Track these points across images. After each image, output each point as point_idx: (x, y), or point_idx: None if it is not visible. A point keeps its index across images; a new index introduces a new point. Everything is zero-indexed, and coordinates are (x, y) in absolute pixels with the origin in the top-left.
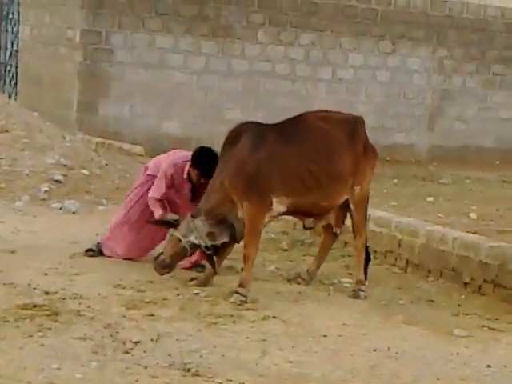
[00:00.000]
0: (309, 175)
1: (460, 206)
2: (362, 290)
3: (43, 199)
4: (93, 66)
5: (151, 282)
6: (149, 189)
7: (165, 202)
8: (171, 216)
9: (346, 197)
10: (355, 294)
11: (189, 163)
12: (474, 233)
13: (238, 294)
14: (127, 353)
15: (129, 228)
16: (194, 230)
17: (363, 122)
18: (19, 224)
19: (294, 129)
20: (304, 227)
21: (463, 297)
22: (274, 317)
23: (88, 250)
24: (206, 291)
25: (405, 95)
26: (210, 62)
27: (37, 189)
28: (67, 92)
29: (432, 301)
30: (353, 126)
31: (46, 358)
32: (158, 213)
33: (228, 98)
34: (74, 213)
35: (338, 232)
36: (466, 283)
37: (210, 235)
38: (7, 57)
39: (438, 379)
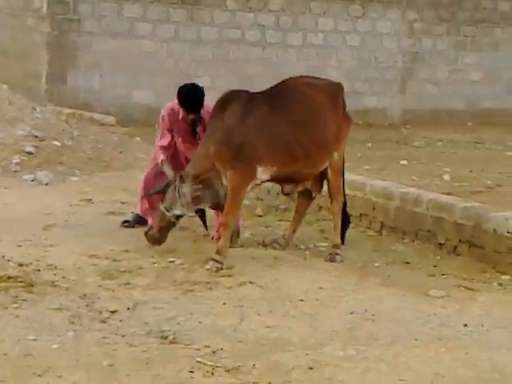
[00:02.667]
0: (296, 144)
1: (433, 168)
2: (338, 254)
3: (15, 171)
4: (61, 37)
5: (126, 252)
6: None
7: (170, 151)
8: (166, 169)
9: (328, 163)
10: (331, 258)
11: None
12: (448, 194)
13: (214, 260)
14: (104, 322)
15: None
16: (180, 198)
17: (343, 88)
18: None
19: (282, 97)
20: (282, 192)
21: (439, 257)
22: (251, 282)
23: (124, 222)
24: (181, 259)
25: (376, 59)
26: (179, 30)
27: (8, 161)
28: (36, 63)
29: (408, 262)
30: (335, 91)
31: (22, 330)
32: (160, 158)
33: (198, 65)
34: (46, 184)
35: (316, 196)
36: (441, 244)
37: (196, 200)
38: None
39: (415, 339)
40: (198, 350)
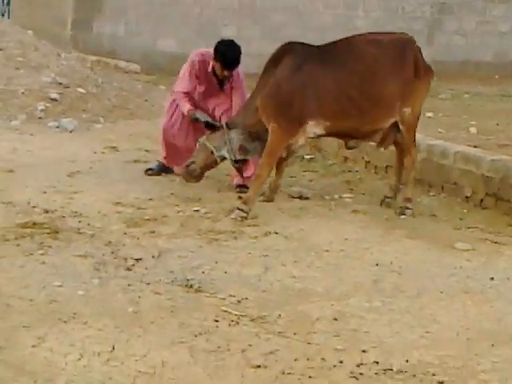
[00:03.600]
0: (347, 100)
1: (460, 121)
2: (409, 208)
3: (40, 118)
4: None
5: (151, 200)
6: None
7: (190, 96)
8: (201, 115)
9: (393, 119)
10: (401, 211)
11: (212, 58)
12: (475, 147)
13: (240, 209)
14: (129, 270)
15: (174, 148)
16: (227, 143)
17: (414, 42)
18: (16, 143)
19: (337, 53)
20: (346, 146)
21: (465, 211)
22: (276, 232)
23: (148, 170)
24: (206, 208)
25: (403, 9)
26: None
27: (33, 107)
28: (61, 10)
29: (434, 215)
30: (402, 48)
31: (47, 276)
32: (185, 107)
33: (224, 14)
34: (71, 131)
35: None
36: (467, 197)
37: (242, 149)
38: None
39: (441, 292)
40: (223, 298)
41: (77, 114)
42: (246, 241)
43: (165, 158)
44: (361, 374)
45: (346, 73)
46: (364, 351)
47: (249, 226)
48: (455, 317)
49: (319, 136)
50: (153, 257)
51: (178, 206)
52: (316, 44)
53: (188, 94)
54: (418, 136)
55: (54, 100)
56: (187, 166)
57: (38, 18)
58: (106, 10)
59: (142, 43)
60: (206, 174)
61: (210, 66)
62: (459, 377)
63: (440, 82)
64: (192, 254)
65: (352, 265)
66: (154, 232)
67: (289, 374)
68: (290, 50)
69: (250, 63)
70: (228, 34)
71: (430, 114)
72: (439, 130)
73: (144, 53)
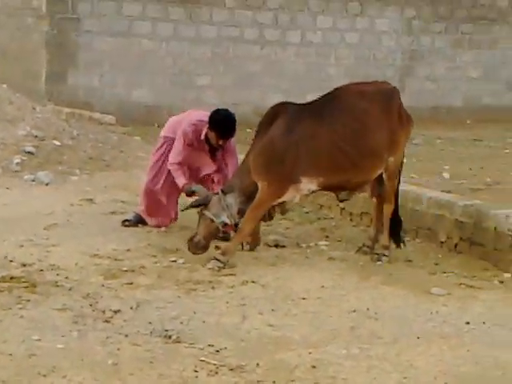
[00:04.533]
0: (342, 155)
1: (433, 166)
2: (386, 255)
3: (16, 171)
4: (60, 36)
5: (128, 251)
6: (168, 151)
7: (185, 167)
8: (196, 187)
9: (382, 169)
10: (378, 258)
11: (206, 125)
12: (448, 192)
13: (217, 260)
14: (107, 322)
15: (156, 202)
16: (226, 209)
17: (398, 92)
18: None
19: (328, 108)
20: (338, 199)
21: (440, 256)
22: (253, 281)
23: (125, 221)
24: (183, 258)
25: (374, 57)
26: (178, 29)
27: (9, 161)
28: (35, 63)
29: (409, 260)
30: (388, 98)
31: (26, 330)
32: (180, 181)
33: (198, 64)
34: (47, 184)
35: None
36: (442, 242)
37: (241, 212)
38: None
39: (418, 338)
40: (201, 349)
41: (53, 167)
42: (223, 290)
43: (143, 210)
44: None
45: (337, 128)
46: None
47: (226, 275)
48: (432, 362)
49: (313, 192)
50: (131, 308)
51: (155, 256)
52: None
53: (182, 165)
54: None
55: (30, 153)
56: (191, 238)
57: (11, 71)
58: (81, 62)
59: (116, 95)
60: (179, 226)
61: (203, 133)
62: None
63: (412, 127)
64: (170, 304)
65: (329, 312)
66: (131, 283)
67: None
68: (281, 111)
69: None
70: (202, 83)
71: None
72: (412, 175)
73: (119, 104)
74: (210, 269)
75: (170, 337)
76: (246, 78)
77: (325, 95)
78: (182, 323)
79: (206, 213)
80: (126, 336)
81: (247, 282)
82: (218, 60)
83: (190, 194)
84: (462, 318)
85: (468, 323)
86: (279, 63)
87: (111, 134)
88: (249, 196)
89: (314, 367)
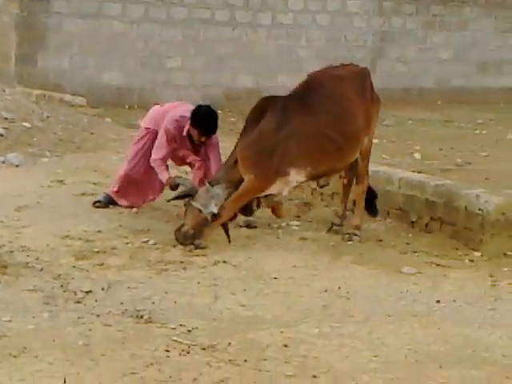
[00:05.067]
0: (328, 143)
1: (404, 147)
2: (357, 235)
3: None
4: (30, 18)
5: (99, 232)
6: (150, 142)
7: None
8: (181, 180)
9: (359, 151)
10: (349, 237)
11: (188, 121)
12: (419, 172)
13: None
14: (79, 302)
15: (131, 184)
16: (214, 199)
17: (369, 72)
18: None
19: (310, 97)
20: (318, 186)
21: (411, 235)
22: (224, 261)
23: (96, 202)
24: (154, 239)
25: (345, 38)
26: (149, 11)
27: None
28: (4, 45)
29: (380, 240)
30: (362, 79)
31: None
32: (164, 176)
33: (168, 46)
34: (17, 166)
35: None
36: (412, 222)
37: None
38: None
39: (389, 316)
40: (173, 328)
41: (23, 149)
42: (195, 271)
43: (114, 192)
44: None
45: (322, 116)
46: (314, 376)
47: (198, 255)
48: (403, 340)
49: (301, 183)
50: (102, 289)
51: (126, 237)
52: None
53: (164, 160)
54: None
55: (0, 135)
56: (179, 229)
57: None
58: (51, 44)
59: (87, 77)
60: (151, 207)
61: (185, 129)
62: None
63: (384, 108)
64: (142, 285)
65: (301, 292)
66: (103, 264)
67: None
68: (269, 105)
69: (195, 94)
70: (172, 65)
71: (374, 141)
72: (383, 156)
73: (89, 86)
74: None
75: (141, 317)
76: (216, 60)
77: (304, 83)
78: (153, 303)
79: (194, 203)
80: (98, 316)
81: (219, 262)
82: (189, 42)
83: (175, 187)
84: (432, 296)
85: (438, 302)
86: (250, 45)
87: (82, 116)
88: (236, 187)
89: (285, 346)
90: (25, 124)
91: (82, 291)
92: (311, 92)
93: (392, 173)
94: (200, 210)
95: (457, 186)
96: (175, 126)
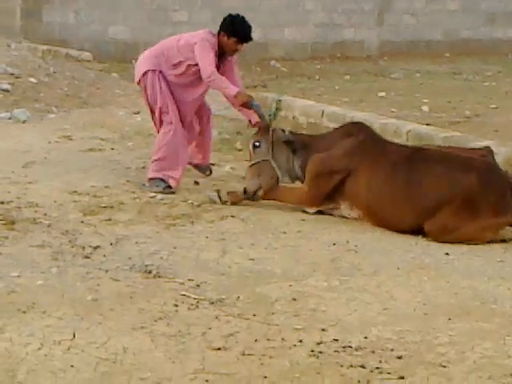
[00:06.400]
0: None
1: (412, 100)
2: None
3: None
4: None
5: (107, 188)
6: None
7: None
8: (256, 105)
9: None
10: None
11: (221, 34)
12: (427, 125)
13: (219, 196)
14: (87, 258)
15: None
16: (292, 171)
17: None
18: None
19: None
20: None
21: None
22: (232, 216)
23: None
24: (162, 194)
25: None
26: None
27: None
28: (9, 0)
29: None
30: None
31: (4, 267)
32: (233, 89)
33: (175, 0)
34: (24, 122)
35: None
36: None
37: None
38: None
39: (397, 269)
40: (181, 283)
41: (29, 105)
42: (203, 225)
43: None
44: (320, 352)
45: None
46: (323, 330)
47: (206, 211)
48: (412, 293)
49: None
50: (111, 244)
51: (134, 192)
52: None
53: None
54: (370, 115)
55: (6, 91)
56: (250, 191)
57: None
58: None
59: (92, 31)
60: None
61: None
62: (417, 351)
63: (391, 61)
64: (150, 240)
65: (309, 245)
66: (110, 219)
67: (249, 355)
68: (357, 131)
69: None
70: (179, 19)
71: (382, 94)
72: (392, 109)
73: (95, 41)
74: (206, 196)
75: (149, 272)
76: (223, 13)
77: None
78: (161, 258)
79: (274, 164)
80: (106, 272)
81: (227, 216)
82: None
83: (249, 107)
84: (441, 249)
85: (447, 254)
86: None
87: (88, 71)
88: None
89: (294, 300)
90: (31, 79)
91: (90, 246)
92: (411, 152)
93: (400, 125)
94: (276, 175)
95: (465, 138)
96: (210, 38)
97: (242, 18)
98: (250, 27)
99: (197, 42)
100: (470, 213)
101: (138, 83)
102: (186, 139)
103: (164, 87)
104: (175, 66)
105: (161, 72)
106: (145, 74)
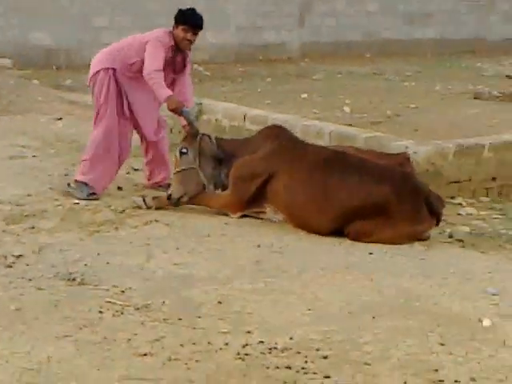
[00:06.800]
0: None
1: (334, 101)
2: None
3: None
4: None
5: (29, 196)
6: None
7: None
8: (186, 110)
9: None
10: None
11: (173, 28)
12: (349, 125)
13: (144, 201)
14: (9, 267)
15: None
16: (218, 177)
17: None
18: None
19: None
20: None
21: None
22: (157, 221)
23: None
24: (85, 200)
25: None
26: None
27: None
28: None
29: None
30: None
31: None
32: (164, 92)
33: (95, 3)
34: None
35: None
36: None
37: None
38: None
39: (321, 269)
40: (106, 290)
41: None
42: (127, 231)
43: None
44: (246, 354)
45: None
46: (249, 332)
47: (129, 216)
48: (336, 292)
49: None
50: (33, 252)
51: (57, 200)
52: None
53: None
54: (293, 118)
55: None
56: (175, 197)
57: None
58: None
59: (12, 37)
60: None
61: (171, 42)
62: (343, 350)
63: (313, 63)
64: (73, 247)
65: (234, 248)
66: (33, 228)
67: (175, 359)
68: (275, 135)
69: None
70: (100, 23)
71: (304, 95)
72: (314, 110)
73: (16, 47)
74: (132, 202)
75: (74, 279)
76: (144, 18)
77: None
78: (86, 265)
79: (201, 174)
80: (30, 280)
81: (151, 221)
82: (116, 0)
83: (179, 112)
84: (365, 249)
85: (371, 253)
86: (178, 2)
87: (8, 78)
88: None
89: (219, 303)
90: None
91: (12, 255)
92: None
93: (322, 126)
94: (204, 185)
95: (387, 138)
96: (163, 37)
97: (193, 9)
98: (200, 17)
99: (149, 40)
100: (385, 220)
101: (89, 83)
102: (127, 144)
103: (112, 89)
104: (131, 65)
105: (114, 70)
106: (97, 73)
